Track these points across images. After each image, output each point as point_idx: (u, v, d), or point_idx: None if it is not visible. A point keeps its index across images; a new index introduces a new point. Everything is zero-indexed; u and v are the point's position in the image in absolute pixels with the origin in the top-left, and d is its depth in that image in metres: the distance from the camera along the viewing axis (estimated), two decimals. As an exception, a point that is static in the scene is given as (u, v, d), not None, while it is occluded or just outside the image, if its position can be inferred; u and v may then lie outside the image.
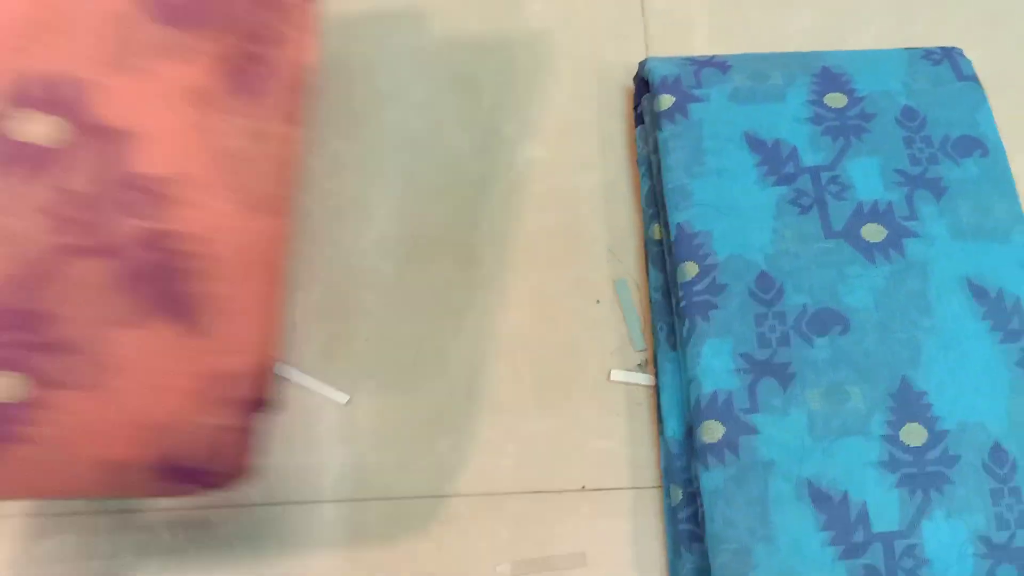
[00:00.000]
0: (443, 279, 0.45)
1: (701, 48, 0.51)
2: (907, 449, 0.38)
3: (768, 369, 0.39)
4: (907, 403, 0.38)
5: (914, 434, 0.38)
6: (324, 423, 0.42)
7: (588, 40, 0.52)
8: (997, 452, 0.38)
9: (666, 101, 0.45)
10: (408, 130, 0.49)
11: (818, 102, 0.45)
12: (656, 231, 0.45)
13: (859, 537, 0.36)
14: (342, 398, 0.42)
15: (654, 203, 0.45)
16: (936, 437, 0.38)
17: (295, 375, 0.43)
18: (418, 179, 0.48)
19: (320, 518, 0.40)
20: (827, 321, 0.40)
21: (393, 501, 0.41)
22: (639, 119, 0.48)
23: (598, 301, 0.45)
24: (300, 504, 0.41)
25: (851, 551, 0.36)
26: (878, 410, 0.38)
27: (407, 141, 0.49)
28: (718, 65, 0.46)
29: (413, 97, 0.50)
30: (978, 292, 0.41)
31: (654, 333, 0.43)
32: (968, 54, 0.48)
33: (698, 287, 0.41)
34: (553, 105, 0.50)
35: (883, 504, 0.37)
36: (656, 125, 0.45)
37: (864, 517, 0.37)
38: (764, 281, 0.41)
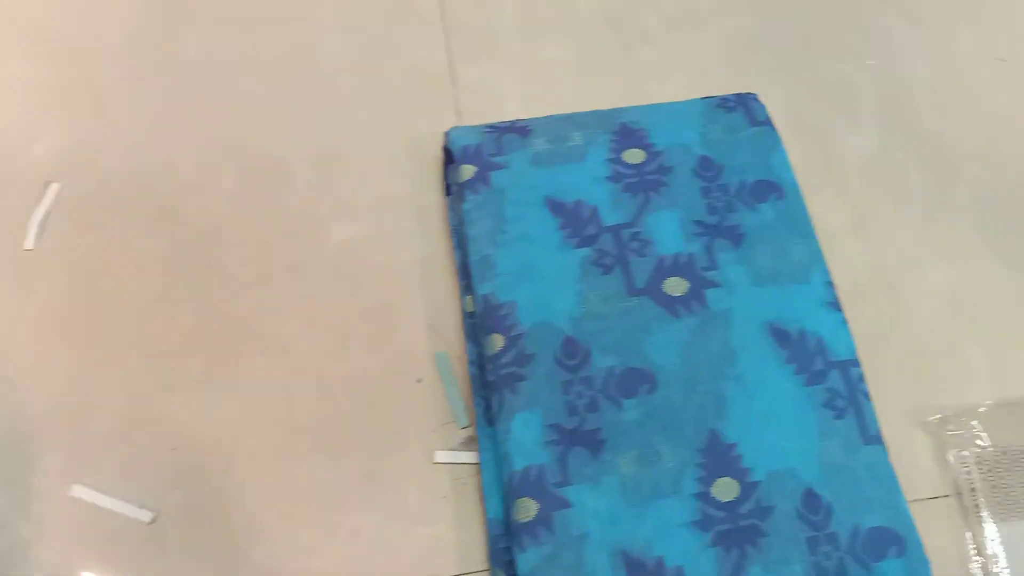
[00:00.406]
0: (255, 373, 0.44)
1: (513, 114, 0.51)
2: (720, 505, 0.38)
3: (578, 438, 0.39)
4: (717, 457, 0.38)
5: (726, 489, 0.38)
6: (126, 545, 0.40)
7: (400, 114, 0.52)
8: (810, 498, 0.38)
9: (467, 171, 0.45)
10: (214, 220, 0.48)
11: (617, 160, 0.46)
12: (469, 303, 0.45)
13: None
14: (145, 516, 0.40)
15: (466, 275, 0.45)
16: (748, 489, 0.38)
17: (95, 497, 0.41)
18: (226, 271, 0.47)
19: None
20: (634, 381, 0.40)
21: (206, 622, 0.39)
22: (449, 190, 0.48)
23: (419, 380, 0.44)
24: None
25: None
26: (688, 468, 0.38)
27: (214, 232, 0.48)
28: (519, 130, 0.47)
29: (220, 185, 0.49)
30: (780, 336, 0.41)
31: (475, 408, 0.43)
32: (769, 99, 0.50)
33: (505, 359, 0.41)
34: (368, 182, 0.50)
35: (699, 566, 0.36)
36: (460, 196, 0.45)
37: None
38: (570, 347, 0.41)
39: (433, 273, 0.47)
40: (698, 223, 0.44)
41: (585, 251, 0.43)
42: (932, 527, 0.41)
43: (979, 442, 0.43)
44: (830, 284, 0.43)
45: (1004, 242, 0.50)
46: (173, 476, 0.41)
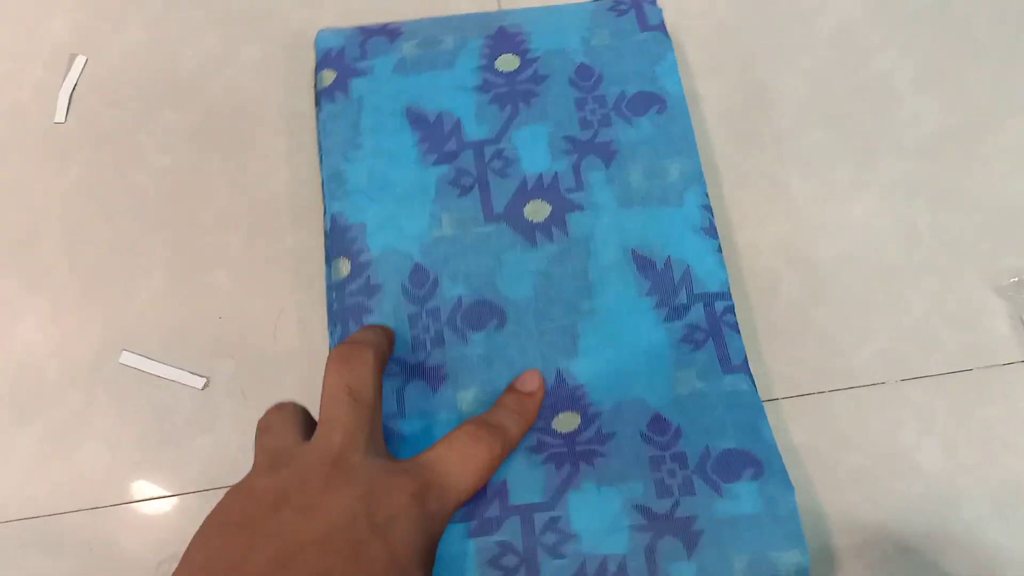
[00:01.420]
0: (295, 246, 0.46)
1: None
2: (557, 435, 0.38)
3: (419, 372, 0.39)
4: (561, 396, 0.38)
5: (566, 421, 0.38)
6: (181, 411, 0.43)
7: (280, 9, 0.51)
8: (657, 422, 0.38)
9: (327, 77, 0.44)
10: (243, 92, 0.50)
11: (489, 67, 0.44)
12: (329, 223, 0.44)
13: (493, 513, 0.36)
14: (198, 382, 0.43)
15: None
16: (589, 419, 0.38)
17: (145, 364, 0.43)
18: (259, 144, 0.49)
19: (183, 511, 0.41)
20: (483, 315, 0.40)
21: (262, 484, 0.42)
22: (317, 99, 0.47)
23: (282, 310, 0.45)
24: (161, 499, 0.42)
25: (484, 527, 0.36)
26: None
27: (243, 105, 0.49)
28: (389, 33, 0.45)
29: (246, 57, 0.51)
30: (643, 264, 0.40)
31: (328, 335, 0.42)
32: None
33: (351, 287, 0.40)
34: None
35: (525, 479, 0.37)
36: (319, 105, 0.44)
37: (502, 491, 0.36)
38: (418, 275, 0.40)
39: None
40: (568, 139, 0.42)
41: (443, 168, 0.42)
42: (1011, 393, 0.43)
43: (1055, 305, 0.45)
44: (707, 208, 0.42)
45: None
46: (222, 345, 0.44)
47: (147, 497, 0.42)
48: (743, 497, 0.36)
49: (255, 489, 0.31)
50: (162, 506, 0.41)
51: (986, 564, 0.39)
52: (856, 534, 0.40)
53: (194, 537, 0.30)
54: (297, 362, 0.44)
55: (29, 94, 0.49)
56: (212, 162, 0.48)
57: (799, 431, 0.42)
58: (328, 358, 0.35)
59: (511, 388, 0.38)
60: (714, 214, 0.44)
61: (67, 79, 0.49)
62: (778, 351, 0.44)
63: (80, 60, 0.49)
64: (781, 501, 0.36)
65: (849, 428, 0.42)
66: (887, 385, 0.43)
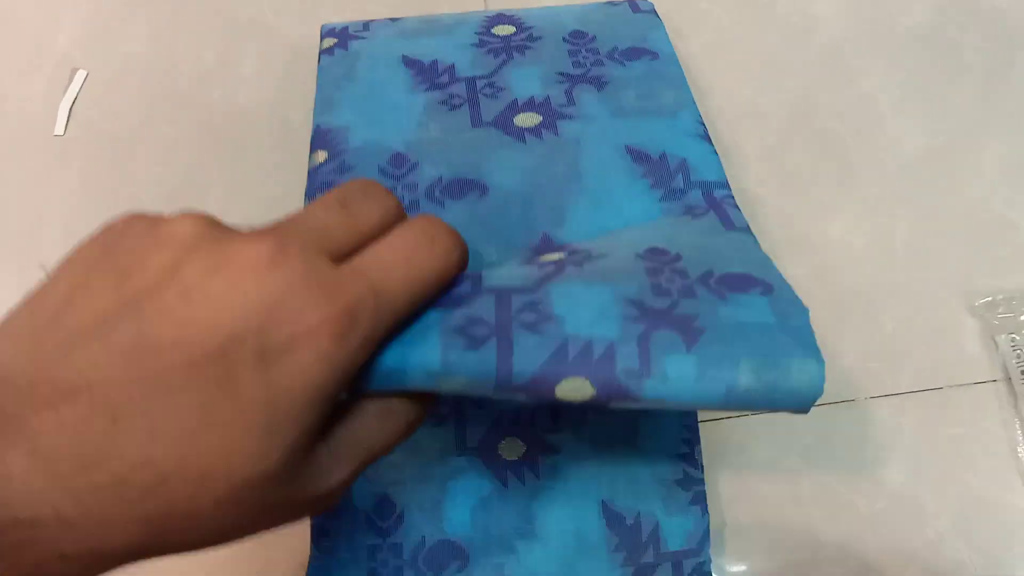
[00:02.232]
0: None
1: None
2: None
3: None
4: (544, 252, 0.36)
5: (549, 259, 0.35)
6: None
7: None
8: (654, 250, 0.33)
9: (327, 43, 0.47)
10: (239, 104, 0.52)
11: (486, 32, 0.47)
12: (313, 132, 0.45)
13: (465, 290, 0.31)
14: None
15: None
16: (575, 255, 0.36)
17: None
18: (251, 156, 0.50)
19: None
20: (464, 188, 0.40)
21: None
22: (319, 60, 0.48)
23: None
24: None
25: (454, 302, 0.30)
26: (513, 261, 0.36)
27: (239, 116, 0.52)
28: (393, 20, 0.49)
29: (242, 70, 0.53)
30: (638, 156, 0.40)
31: None
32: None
33: (324, 168, 0.41)
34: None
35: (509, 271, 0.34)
36: (319, 64, 0.47)
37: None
38: (398, 160, 0.41)
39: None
40: (561, 74, 0.44)
41: (434, 93, 0.44)
42: (980, 412, 0.44)
43: (1029, 325, 0.45)
44: (700, 122, 0.42)
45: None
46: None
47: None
48: (752, 306, 0.30)
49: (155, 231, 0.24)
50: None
51: (946, 582, 0.41)
52: (818, 550, 0.41)
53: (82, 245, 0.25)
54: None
55: (31, 106, 0.52)
56: (206, 174, 0.50)
57: (764, 447, 0.44)
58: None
59: None
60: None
61: (67, 93, 0.51)
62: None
63: (81, 75, 0.52)
64: (794, 315, 0.30)
65: (814, 444, 0.44)
66: (855, 402, 0.45)
